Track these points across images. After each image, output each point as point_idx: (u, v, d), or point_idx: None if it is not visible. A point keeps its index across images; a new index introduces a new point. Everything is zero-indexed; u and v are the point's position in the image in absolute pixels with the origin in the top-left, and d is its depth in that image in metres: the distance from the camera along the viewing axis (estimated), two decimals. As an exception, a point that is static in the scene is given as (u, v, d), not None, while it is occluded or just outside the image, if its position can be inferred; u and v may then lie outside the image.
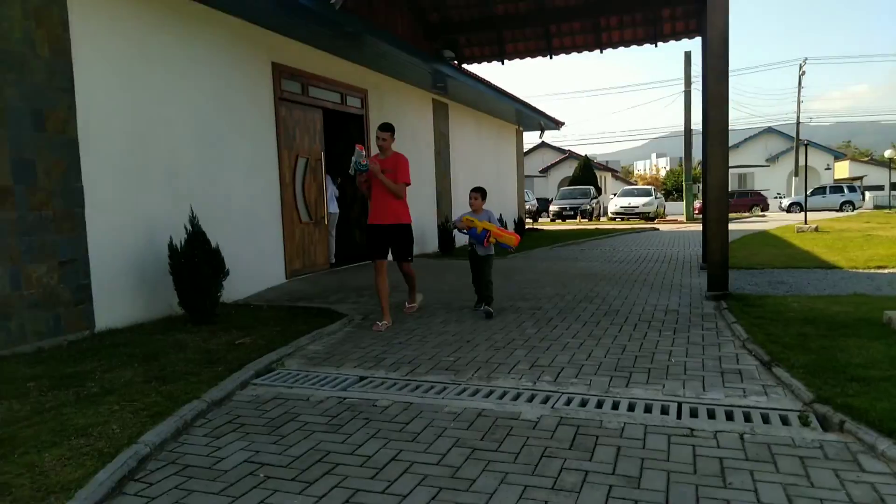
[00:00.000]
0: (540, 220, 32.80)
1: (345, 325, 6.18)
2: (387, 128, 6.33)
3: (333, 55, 10.02)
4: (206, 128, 7.45)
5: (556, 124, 20.70)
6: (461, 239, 14.58)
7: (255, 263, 8.18)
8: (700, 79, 10.83)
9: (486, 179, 17.43)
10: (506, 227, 7.23)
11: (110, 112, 6.20)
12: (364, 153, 6.05)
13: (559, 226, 27.10)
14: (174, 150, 6.97)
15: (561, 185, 44.23)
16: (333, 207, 10.48)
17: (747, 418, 3.51)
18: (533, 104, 17.84)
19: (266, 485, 2.86)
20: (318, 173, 9.78)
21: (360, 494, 2.75)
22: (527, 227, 21.22)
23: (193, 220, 6.32)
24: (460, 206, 15.45)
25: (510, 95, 15.86)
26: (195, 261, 6.15)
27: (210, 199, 7.36)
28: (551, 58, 14.60)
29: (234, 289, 7.35)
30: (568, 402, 3.84)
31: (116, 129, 6.26)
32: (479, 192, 6.60)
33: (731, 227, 8.08)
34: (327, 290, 8.16)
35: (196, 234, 6.28)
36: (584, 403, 3.81)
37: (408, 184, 6.32)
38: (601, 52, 14.14)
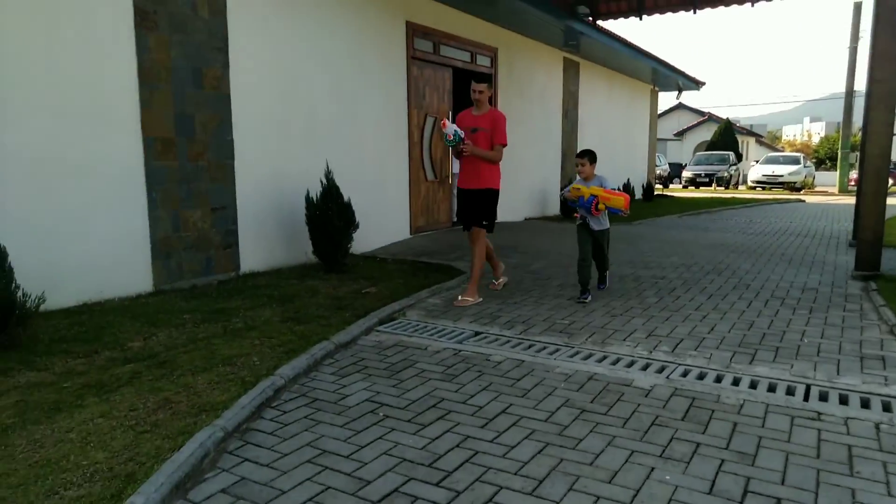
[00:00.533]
0: (671, 186, 31.22)
1: (462, 281, 6.34)
2: (483, 79, 5.63)
3: (466, 13, 10.02)
4: (341, 85, 7.80)
5: (696, 84, 19.45)
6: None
7: (383, 218, 8.54)
8: (868, 33, 9.70)
9: (615, 142, 16.85)
10: (629, 194, 6.26)
11: (258, 69, 6.65)
12: (453, 127, 5.43)
13: (692, 193, 25.68)
14: (313, 106, 7.38)
15: (697, 149, 41.66)
16: (457, 167, 10.63)
17: (886, 408, 3.26)
18: (671, 63, 16.86)
19: (385, 423, 3.09)
20: (445, 132, 9.93)
21: (470, 441, 2.90)
22: (655, 193, 20.33)
23: (328, 174, 6.71)
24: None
25: (646, 53, 15.08)
26: (328, 213, 6.56)
27: (344, 155, 7.74)
28: (695, 12, 13.65)
29: (363, 241, 7.75)
30: (684, 374, 3.75)
31: (263, 85, 6.72)
32: (586, 157, 5.58)
33: (890, 201, 7.31)
34: (448, 248, 8.37)
35: (330, 188, 6.67)
36: (701, 377, 3.71)
37: (504, 145, 5.60)
38: (752, 4, 13.00)
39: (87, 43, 5.14)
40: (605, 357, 4.07)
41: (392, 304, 5.26)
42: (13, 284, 4.07)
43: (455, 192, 10.49)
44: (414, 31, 9.00)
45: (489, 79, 5.74)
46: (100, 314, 4.87)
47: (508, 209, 11.53)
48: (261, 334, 4.40)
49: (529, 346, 4.30)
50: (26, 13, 4.75)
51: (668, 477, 2.56)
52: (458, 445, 2.85)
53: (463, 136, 5.41)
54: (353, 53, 7.95)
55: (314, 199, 6.67)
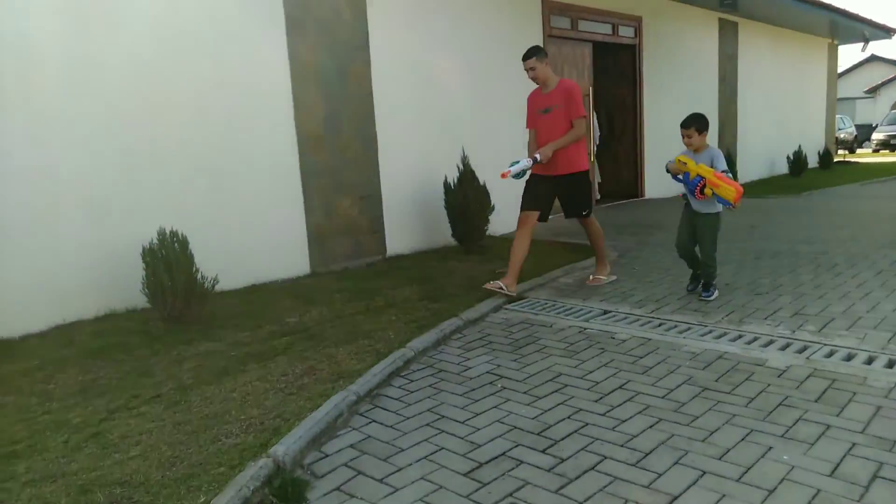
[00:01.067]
0: (859, 150, 27.74)
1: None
2: (529, 54, 5.03)
3: (605, -16, 9.73)
4: (477, 72, 7.98)
5: (887, 32, 17.12)
6: (745, 171, 13.26)
7: (519, 201, 8.62)
8: None
9: (782, 106, 15.40)
10: (732, 177, 4.55)
11: (396, 64, 7.03)
12: (517, 168, 4.99)
13: (884, 157, 22.67)
14: (449, 95, 7.64)
15: (895, 108, 36.52)
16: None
17: None
18: (852, 10, 14.97)
19: (501, 393, 3.25)
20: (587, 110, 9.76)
21: (581, 413, 2.97)
22: (836, 159, 18.27)
23: (465, 159, 6.95)
24: (748, 137, 13.99)
25: (820, 3, 13.53)
26: (465, 197, 6.80)
27: (479, 141, 7.93)
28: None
29: (503, 223, 7.91)
30: (829, 355, 3.49)
31: (401, 79, 7.10)
32: (692, 125, 4.57)
33: None
34: (589, 227, 8.26)
35: (466, 173, 6.91)
36: (849, 358, 3.43)
37: (583, 116, 4.97)
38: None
39: (247, 51, 5.80)
40: (739, 336, 3.89)
41: (523, 283, 5.37)
42: (194, 268, 4.76)
43: (597, 169, 10.32)
44: (550, 8, 8.92)
45: (536, 51, 5.05)
46: (264, 294, 5.52)
47: (655, 186, 11.08)
48: (398, 311, 4.75)
49: (659, 325, 4.21)
50: (203, 33, 5.47)
51: (785, 457, 2.46)
52: (568, 417, 2.94)
53: (529, 165, 4.96)
54: (488, 39, 8.09)
55: (451, 184, 6.94)
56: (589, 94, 9.70)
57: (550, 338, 4.10)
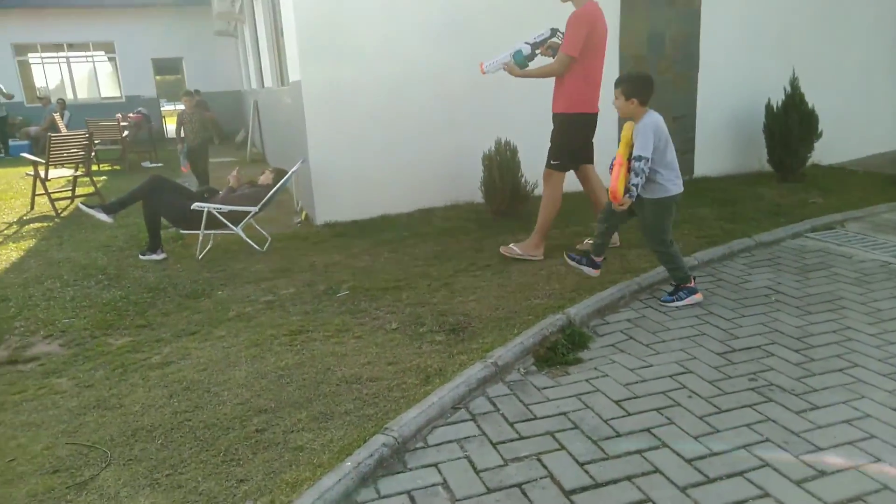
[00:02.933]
0: None
1: (944, 199, 5.63)
2: None
3: None
4: (827, -17, 7.28)
5: None
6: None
7: (861, 127, 7.79)
8: None
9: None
10: (636, 169, 3.41)
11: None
12: (500, 58, 4.45)
13: None
14: (785, 12, 7.17)
15: None
16: None
17: None
18: None
19: (772, 305, 3.57)
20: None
21: (848, 331, 3.17)
22: None
23: (794, 81, 6.63)
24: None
25: None
26: (788, 122, 6.56)
27: (817, 64, 7.33)
28: None
29: (834, 151, 7.37)
30: None
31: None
32: (619, 86, 3.62)
33: None
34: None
35: (793, 96, 6.61)
36: None
37: (566, 54, 4.12)
38: None
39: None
40: None
41: (834, 214, 5.23)
42: (520, 173, 5.78)
43: None
44: None
45: None
46: (578, 200, 6.30)
47: None
48: (692, 227, 5.13)
49: None
50: None
51: None
52: (833, 331, 3.18)
53: (525, 52, 4.37)
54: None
55: (775, 107, 6.72)
56: None
57: (844, 267, 4.12)
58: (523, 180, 5.80)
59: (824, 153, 7.08)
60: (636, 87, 3.52)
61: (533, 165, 6.04)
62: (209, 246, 5.40)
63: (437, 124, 6.17)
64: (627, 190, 3.45)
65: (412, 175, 6.18)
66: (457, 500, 2.06)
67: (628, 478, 2.14)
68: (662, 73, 6.88)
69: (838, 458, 2.18)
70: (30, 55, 17.56)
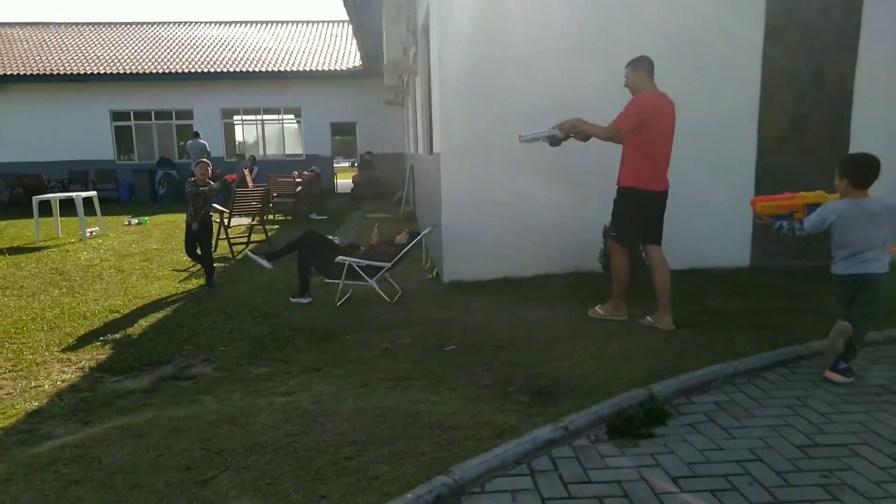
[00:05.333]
0: None
1: None
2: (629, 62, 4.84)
3: None
4: None
5: None
6: None
7: None
8: None
9: None
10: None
11: (881, 61, 6.55)
12: (531, 134, 5.14)
13: None
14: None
15: None
16: None
17: None
18: None
19: (879, 404, 3.38)
20: None
21: (959, 442, 2.94)
22: None
23: None
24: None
25: None
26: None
27: None
28: None
29: None
30: None
31: (884, 79, 6.58)
32: (842, 164, 3.70)
33: None
34: None
35: None
36: None
37: (617, 126, 4.69)
38: None
39: (724, 65, 6.46)
40: None
41: None
42: (640, 246, 5.87)
43: None
44: None
45: (633, 62, 4.80)
46: (699, 277, 6.26)
47: None
48: (819, 315, 4.88)
49: None
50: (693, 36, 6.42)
51: None
52: (941, 441, 2.97)
53: (544, 134, 5.04)
54: None
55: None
56: None
57: (985, 374, 3.77)
58: (642, 254, 5.88)
59: None
60: (851, 167, 3.64)
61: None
62: (348, 294, 6.08)
63: (564, 198, 6.48)
64: (761, 219, 3.99)
65: (537, 242, 6.51)
66: (495, 542, 2.31)
67: (660, 549, 2.25)
68: (809, 153, 6.66)
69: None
70: (234, 118, 20.53)
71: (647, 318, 4.92)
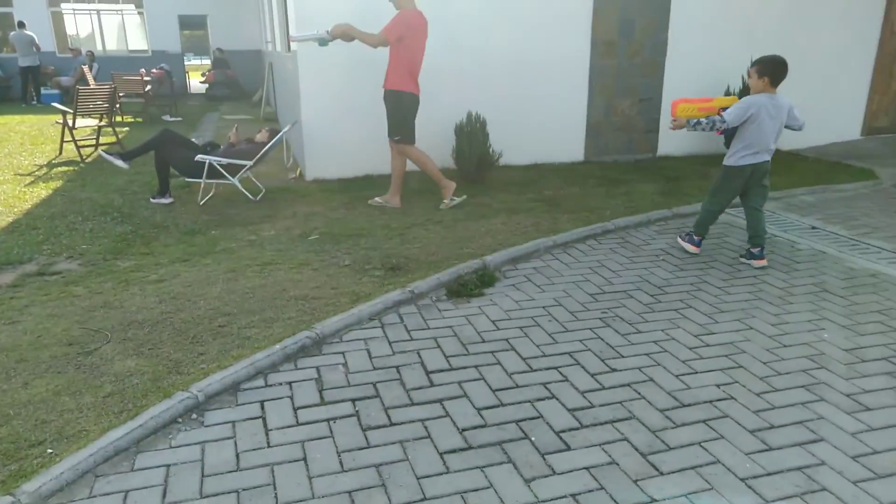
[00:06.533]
0: None
1: (866, 186, 6.25)
2: None
3: None
4: (795, -21, 7.76)
5: None
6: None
7: (824, 116, 8.33)
8: None
9: None
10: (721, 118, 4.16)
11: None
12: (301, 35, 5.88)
13: None
14: (755, 9, 7.69)
15: None
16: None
17: None
18: None
19: (657, 262, 4.31)
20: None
21: (702, 284, 3.91)
22: None
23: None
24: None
25: None
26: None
27: (783, 53, 7.85)
28: None
29: (793, 137, 7.93)
30: None
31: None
32: (758, 64, 4.23)
33: None
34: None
35: (748, 84, 7.19)
36: None
37: (384, 37, 5.27)
38: None
39: (557, -29, 6.98)
40: (923, 267, 4.12)
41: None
42: (487, 144, 6.50)
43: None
44: None
45: None
46: (539, 172, 7.06)
47: None
48: (628, 198, 5.84)
49: (854, 246, 4.57)
50: (519, -45, 6.82)
51: None
52: (688, 283, 3.92)
53: (317, 35, 5.48)
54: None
55: (734, 92, 7.31)
56: None
57: (735, 236, 4.83)
58: (490, 150, 6.52)
59: (785, 140, 7.63)
60: (769, 67, 4.07)
61: (507, 137, 6.79)
62: (210, 194, 6.22)
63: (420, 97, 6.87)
64: (689, 121, 4.14)
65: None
66: (350, 373, 2.89)
67: (475, 366, 2.95)
68: (631, 57, 7.49)
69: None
70: (63, 5, 18.37)
71: (377, 198, 5.84)
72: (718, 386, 2.81)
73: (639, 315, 3.50)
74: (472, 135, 6.43)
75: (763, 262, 4.27)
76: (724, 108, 4.22)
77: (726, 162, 4.31)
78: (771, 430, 2.49)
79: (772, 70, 4.08)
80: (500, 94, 7.14)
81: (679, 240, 4.62)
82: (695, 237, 4.50)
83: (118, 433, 2.39)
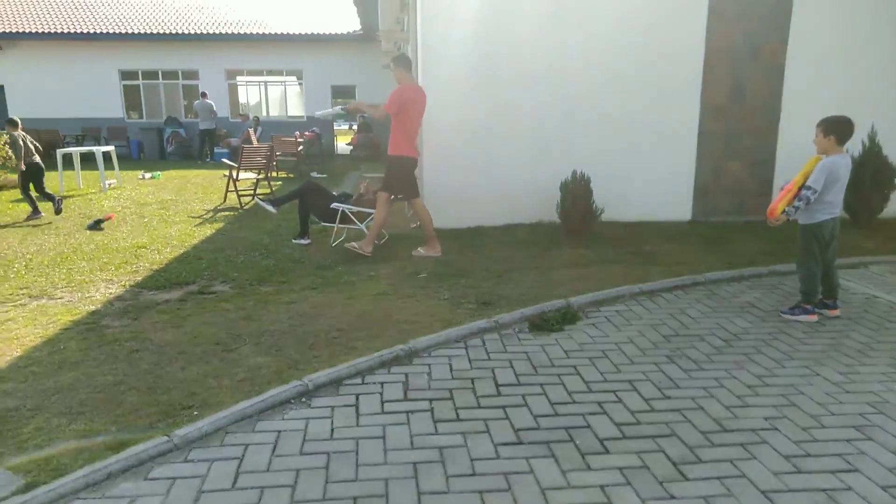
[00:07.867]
0: None
1: None
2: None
3: None
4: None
5: None
6: None
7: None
8: None
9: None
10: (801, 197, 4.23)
11: (813, 42, 7.47)
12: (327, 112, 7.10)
13: None
14: (864, 72, 7.58)
15: None
16: None
17: None
18: None
19: (742, 315, 4.45)
20: None
21: (778, 339, 4.02)
22: None
23: (872, 134, 7.08)
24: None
25: None
26: (862, 171, 7.01)
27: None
28: None
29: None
30: None
31: (817, 53, 7.50)
32: (823, 124, 4.34)
33: None
34: None
35: (871, 147, 7.06)
36: None
37: (386, 111, 6.13)
38: None
39: (668, 40, 7.39)
40: None
41: (866, 256, 5.77)
42: (591, 200, 6.90)
43: None
44: None
45: (395, 60, 6.37)
46: (642, 229, 7.30)
47: None
48: (729, 255, 5.95)
49: (961, 310, 4.43)
50: (633, 34, 7.33)
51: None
52: (767, 334, 4.05)
53: (337, 110, 6.94)
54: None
55: (855, 156, 7.18)
56: None
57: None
58: (594, 206, 6.91)
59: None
60: (835, 126, 4.26)
61: (602, 193, 7.16)
62: (342, 237, 7.12)
63: (531, 155, 7.48)
64: (785, 211, 4.28)
65: (505, 196, 7.52)
66: (432, 380, 3.40)
67: (541, 384, 3.34)
68: (743, 121, 7.62)
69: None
70: (238, 78, 21.31)
71: (419, 249, 6.35)
72: (766, 419, 2.99)
73: (706, 356, 3.71)
74: (576, 192, 6.87)
75: (836, 313, 4.36)
76: (806, 175, 4.30)
77: (807, 222, 4.38)
78: (806, 458, 2.66)
79: (838, 129, 4.26)
80: (607, 153, 7.55)
81: (791, 317, 4.37)
82: (806, 306, 4.37)
83: (245, 404, 3.06)
